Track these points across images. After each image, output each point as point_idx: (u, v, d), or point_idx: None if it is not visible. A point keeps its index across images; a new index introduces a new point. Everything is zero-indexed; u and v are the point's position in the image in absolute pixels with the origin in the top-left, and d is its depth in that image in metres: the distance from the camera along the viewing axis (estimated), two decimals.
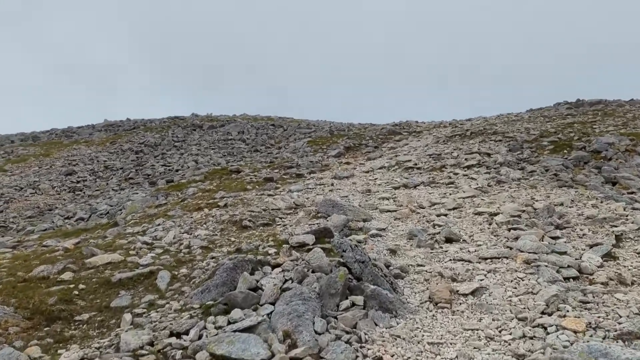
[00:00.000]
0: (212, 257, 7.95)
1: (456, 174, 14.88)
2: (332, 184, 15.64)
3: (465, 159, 16.70)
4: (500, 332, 5.27)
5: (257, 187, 16.39)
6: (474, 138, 20.80)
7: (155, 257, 8.34)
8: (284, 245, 8.17)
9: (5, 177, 23.49)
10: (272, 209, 11.46)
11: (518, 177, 13.90)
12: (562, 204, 10.31)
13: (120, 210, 17.13)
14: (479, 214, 9.91)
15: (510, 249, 7.62)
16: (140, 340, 5.48)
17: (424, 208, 11.13)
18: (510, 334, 5.18)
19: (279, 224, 10.27)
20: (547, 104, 29.71)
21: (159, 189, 18.89)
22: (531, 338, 5.05)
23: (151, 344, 5.47)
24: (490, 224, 9.20)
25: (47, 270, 7.99)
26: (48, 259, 9.08)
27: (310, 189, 15.08)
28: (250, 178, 18.03)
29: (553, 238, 8.05)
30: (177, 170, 22.90)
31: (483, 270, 6.86)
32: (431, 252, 8.02)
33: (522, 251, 7.34)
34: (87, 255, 8.92)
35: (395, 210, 10.93)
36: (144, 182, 21.93)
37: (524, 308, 5.69)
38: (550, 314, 5.46)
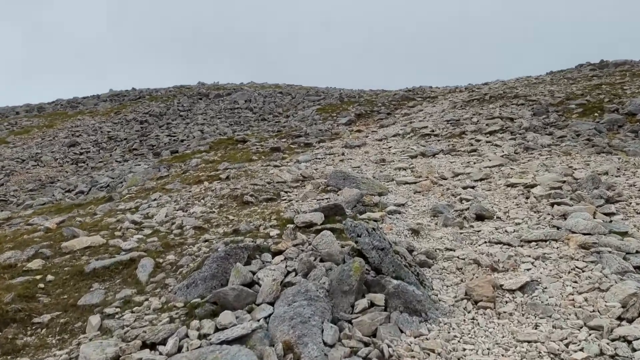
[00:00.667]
0: (205, 241, 6.66)
1: (478, 140, 13.41)
2: (343, 154, 14.26)
3: (487, 125, 15.19)
4: (567, 345, 3.93)
5: (263, 157, 15.06)
6: (493, 102, 19.21)
7: (141, 240, 7.08)
8: (288, 226, 6.86)
9: (7, 149, 22.36)
10: (277, 182, 10.13)
11: (548, 143, 12.41)
12: (606, 173, 8.86)
13: (121, 182, 15.92)
14: (512, 185, 8.49)
15: (559, 229, 6.24)
16: (103, 355, 4.24)
17: (446, 179, 9.74)
18: (582, 349, 3.84)
19: (284, 199, 8.95)
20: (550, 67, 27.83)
21: (163, 160, 17.64)
22: (612, 358, 3.72)
23: (117, 359, 4.23)
24: (527, 198, 7.79)
25: (15, 256, 6.78)
26: (24, 241, 7.88)
27: (320, 159, 13.72)
28: (257, 148, 16.69)
29: (607, 214, 6.65)
30: (182, 141, 21.62)
31: (529, 257, 5.50)
32: (461, 233, 6.67)
33: (574, 232, 5.96)
34: (67, 237, 7.69)
35: (415, 182, 9.56)
36: (148, 153, 20.69)
37: (594, 311, 4.33)
38: (631, 321, 4.12)
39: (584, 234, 5.88)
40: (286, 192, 9.50)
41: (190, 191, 10.42)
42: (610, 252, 5.26)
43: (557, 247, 5.68)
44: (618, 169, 9.06)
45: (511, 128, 14.35)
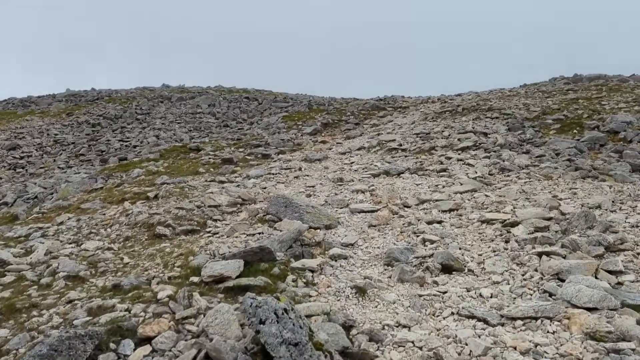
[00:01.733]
0: (70, 302, 4.67)
1: (449, 158, 11.64)
2: (300, 169, 12.38)
3: (459, 140, 13.46)
4: None
5: (211, 170, 13.09)
6: (466, 115, 17.54)
7: None
8: (192, 278, 4.93)
9: None
10: (209, 206, 8.16)
11: (525, 164, 10.70)
12: (599, 207, 7.12)
13: (52, 194, 13.77)
14: (488, 222, 6.68)
15: (553, 298, 4.45)
16: None
17: (409, 207, 7.92)
18: None
19: (209, 232, 6.99)
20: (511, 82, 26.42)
21: (105, 169, 15.52)
22: None
23: None
24: (507, 242, 5.98)
25: None
26: None
27: (273, 174, 11.81)
28: (209, 158, 14.71)
29: (613, 273, 4.88)
30: (134, 147, 19.48)
31: (515, 350, 3.67)
32: (421, 296, 4.80)
33: (575, 305, 4.17)
34: None
35: (372, 211, 7.71)
36: (95, 159, 18.52)
37: None
38: None
39: (590, 310, 4.08)
40: (216, 220, 7.56)
41: (104, 214, 8.40)
42: (633, 349, 3.45)
43: (554, 333, 3.84)
44: (612, 201, 7.33)
45: (485, 144, 12.63)
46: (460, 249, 5.93)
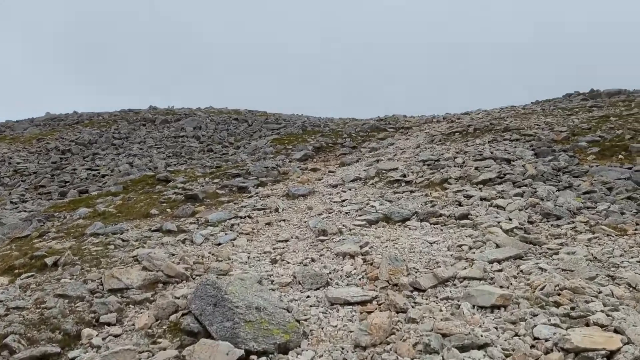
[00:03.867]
0: None
1: (469, 195, 8.46)
2: (277, 209, 9.23)
3: (476, 169, 10.30)
4: None
5: (167, 210, 9.97)
6: (480, 136, 14.39)
7: None
8: None
9: None
10: (109, 290, 5.00)
11: (576, 206, 7.53)
12: None
13: None
14: (576, 354, 3.45)
15: None
16: None
17: (422, 293, 4.72)
18: None
19: None
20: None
21: (50, 208, 12.41)
22: None
23: None
24: None
25: None
26: None
27: (240, 218, 8.67)
28: (173, 193, 11.60)
29: None
30: (103, 176, 16.43)
31: None
32: None
33: None
34: None
35: (362, 302, 4.53)
36: (56, 191, 15.45)
37: None
38: None
39: None
40: (101, 326, 4.39)
41: None
42: None
43: None
44: None
45: (512, 175, 9.44)
46: None
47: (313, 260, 5.91)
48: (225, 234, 7.57)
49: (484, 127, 15.56)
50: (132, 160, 17.63)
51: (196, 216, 9.18)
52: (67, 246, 7.18)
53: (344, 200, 9.36)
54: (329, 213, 8.50)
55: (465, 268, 5.16)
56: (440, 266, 5.25)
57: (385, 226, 7.35)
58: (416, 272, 5.22)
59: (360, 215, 8.00)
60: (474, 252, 5.67)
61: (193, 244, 7.13)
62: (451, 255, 5.69)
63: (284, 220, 8.47)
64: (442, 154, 12.29)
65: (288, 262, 5.95)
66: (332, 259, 5.90)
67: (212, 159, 17.32)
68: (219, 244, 7.05)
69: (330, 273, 5.42)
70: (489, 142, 13.33)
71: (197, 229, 8.15)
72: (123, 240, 7.43)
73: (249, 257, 6.23)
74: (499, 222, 6.85)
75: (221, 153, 18.34)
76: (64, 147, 19.06)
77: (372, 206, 8.44)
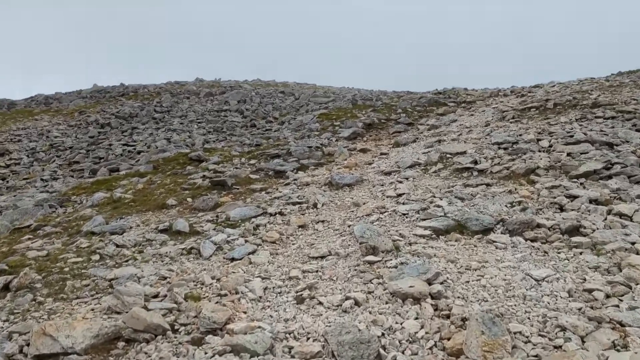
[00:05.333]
0: None
1: (571, 195, 6.06)
2: (315, 205, 7.16)
3: (570, 155, 7.80)
4: None
5: (187, 200, 8.12)
6: (563, 113, 11.66)
7: None
8: None
9: None
10: (33, 357, 3.16)
11: None
12: None
13: None
14: None
15: None
16: None
17: None
18: None
19: None
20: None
21: (70, 190, 10.88)
22: None
23: None
24: None
25: None
26: None
27: (269, 216, 6.69)
28: (202, 176, 9.81)
29: None
30: (139, 152, 14.91)
31: None
32: None
33: None
34: None
35: None
36: (88, 168, 14.05)
37: None
38: None
39: None
40: None
41: None
42: None
43: None
44: None
45: (624, 167, 6.92)
46: None
47: (357, 303, 3.82)
48: (244, 243, 5.59)
49: (566, 101, 12.75)
50: (171, 136, 15.99)
51: (217, 210, 7.27)
52: (44, 254, 5.42)
53: (400, 195, 7.16)
54: (381, 213, 6.35)
55: (615, 346, 2.91)
56: (570, 339, 3.02)
57: (460, 240, 5.13)
58: (527, 344, 3.02)
59: (423, 220, 5.81)
60: (619, 308, 3.39)
61: (199, 258, 5.20)
62: (579, 310, 3.43)
63: (322, 221, 6.40)
64: (521, 135, 9.76)
65: (320, 304, 3.89)
66: (386, 303, 3.79)
67: (254, 135, 15.40)
68: (232, 260, 5.07)
69: (383, 335, 3.32)
70: (576, 120, 10.64)
71: (214, 230, 6.22)
72: (117, 246, 5.61)
73: (265, 290, 4.21)
74: (633, 244, 4.48)
75: (264, 129, 16.39)
76: (103, 121, 17.68)
77: (438, 206, 6.21)
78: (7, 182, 13.72)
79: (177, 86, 23.23)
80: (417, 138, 12.08)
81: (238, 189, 8.77)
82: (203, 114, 18.47)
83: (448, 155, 9.22)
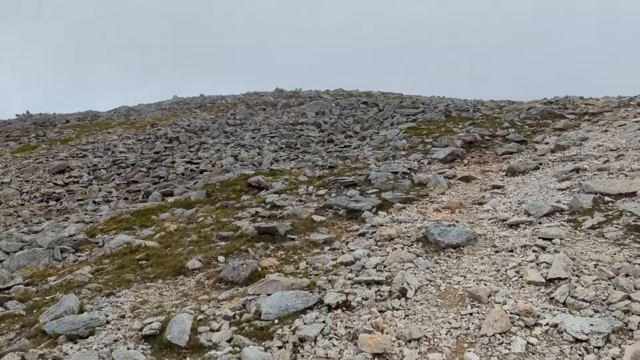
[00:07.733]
0: None
1: None
2: (404, 292, 4.11)
3: None
4: None
5: (214, 263, 5.43)
6: None
7: None
8: None
9: None
10: None
11: None
12: None
13: None
14: None
15: None
16: None
17: None
18: None
19: None
20: None
21: (108, 222, 8.69)
22: None
23: None
24: None
25: None
26: None
27: (325, 309, 3.77)
28: (250, 217, 7.15)
29: None
30: (202, 172, 12.74)
31: None
32: None
33: None
34: None
35: None
36: (145, 189, 12.06)
37: None
38: None
39: None
40: None
41: None
42: None
43: None
44: None
45: None
46: None
47: None
48: None
49: None
50: (239, 152, 13.66)
51: (249, 289, 4.49)
52: None
53: (550, 282, 3.93)
54: (528, 329, 3.20)
55: None
56: None
57: None
58: None
59: (609, 348, 2.59)
60: None
61: None
62: None
63: (414, 340, 3.36)
64: None
65: None
66: None
67: (329, 153, 12.62)
68: None
69: None
70: None
71: (228, 342, 3.43)
72: None
73: None
74: None
75: (342, 145, 13.56)
76: (172, 134, 15.84)
77: (628, 308, 2.93)
78: (61, 203, 12.07)
79: (254, 97, 21.15)
80: (541, 163, 8.59)
81: (293, 239, 5.97)
82: (277, 127, 16.02)
83: (607, 199, 5.77)
